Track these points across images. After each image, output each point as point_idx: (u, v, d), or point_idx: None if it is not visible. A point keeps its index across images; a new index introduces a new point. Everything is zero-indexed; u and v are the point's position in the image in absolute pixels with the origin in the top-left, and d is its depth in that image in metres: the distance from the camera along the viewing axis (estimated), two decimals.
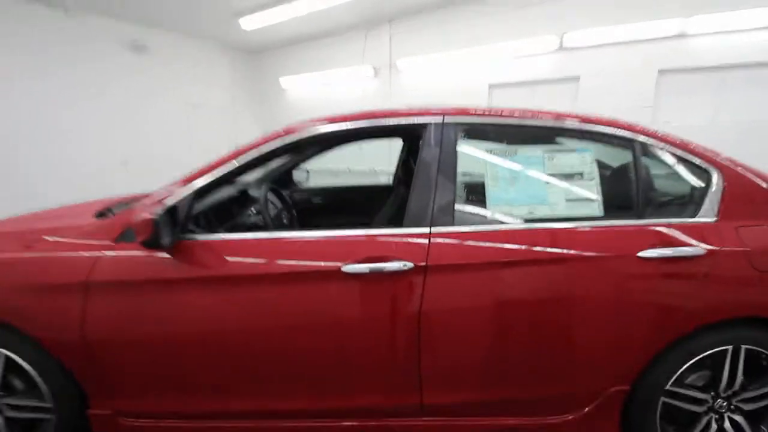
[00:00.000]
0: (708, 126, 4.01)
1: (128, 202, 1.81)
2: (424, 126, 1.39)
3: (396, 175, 2.93)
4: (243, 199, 1.95)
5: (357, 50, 6.19)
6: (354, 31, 6.14)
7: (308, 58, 6.81)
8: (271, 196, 2.01)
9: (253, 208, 1.85)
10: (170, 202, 1.28)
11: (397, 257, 1.25)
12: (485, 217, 1.33)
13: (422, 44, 5.54)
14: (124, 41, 5.52)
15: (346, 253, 1.27)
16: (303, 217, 2.81)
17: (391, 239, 1.30)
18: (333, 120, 1.41)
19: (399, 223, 1.33)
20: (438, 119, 1.39)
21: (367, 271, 1.24)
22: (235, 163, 1.36)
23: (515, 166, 1.37)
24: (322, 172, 6.12)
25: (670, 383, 1.33)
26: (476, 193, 1.35)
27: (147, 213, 1.15)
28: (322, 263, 1.27)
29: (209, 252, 1.31)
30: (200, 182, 1.34)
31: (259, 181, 2.68)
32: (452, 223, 1.30)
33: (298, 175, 2.91)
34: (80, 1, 4.78)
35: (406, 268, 1.24)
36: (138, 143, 5.76)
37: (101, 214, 1.60)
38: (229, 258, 1.30)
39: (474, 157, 1.39)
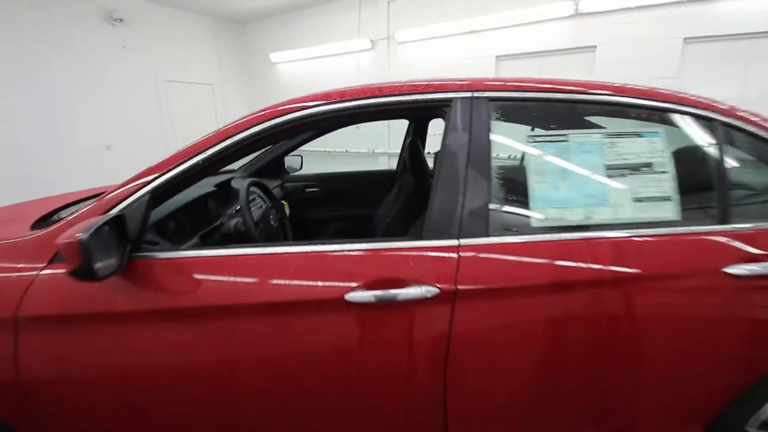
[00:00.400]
0: (736, 100, 3.67)
1: (86, 200, 1.49)
2: (446, 103, 1.07)
3: (401, 161, 2.60)
4: (220, 196, 1.62)
5: (353, 21, 5.71)
6: (349, 0, 5.64)
7: (300, 31, 6.31)
8: (256, 191, 1.70)
9: (232, 209, 1.54)
10: (115, 210, 0.97)
11: (416, 280, 0.95)
12: (529, 224, 1.02)
13: (423, 14, 5.08)
14: (98, 13, 5.02)
15: (349, 274, 0.97)
16: (296, 211, 2.50)
17: (407, 254, 0.99)
18: (329, 97, 1.08)
19: (413, 231, 1.02)
20: (466, 94, 1.06)
21: (377, 299, 0.94)
22: (205, 155, 1.04)
23: (567, 156, 1.05)
24: (316, 154, 5.78)
25: (749, 423, 1.08)
26: (517, 192, 1.04)
27: (75, 231, 0.84)
28: (320, 286, 0.97)
29: (172, 275, 1.00)
30: (160, 180, 1.03)
31: (241, 173, 2.38)
32: (487, 233, 1.00)
33: (289, 160, 2.58)
34: None
35: (428, 294, 0.94)
36: (119, 125, 5.34)
37: (42, 222, 1.28)
38: (197, 282, 1.00)
39: (513, 144, 1.07)
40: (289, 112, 1.05)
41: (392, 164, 5.89)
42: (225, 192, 1.90)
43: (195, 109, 6.33)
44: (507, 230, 1.02)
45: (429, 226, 1.01)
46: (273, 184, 2.35)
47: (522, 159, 1.06)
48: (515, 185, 1.05)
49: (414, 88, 1.09)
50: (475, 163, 1.02)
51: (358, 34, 5.63)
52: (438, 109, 1.10)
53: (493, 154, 1.04)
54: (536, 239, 1.00)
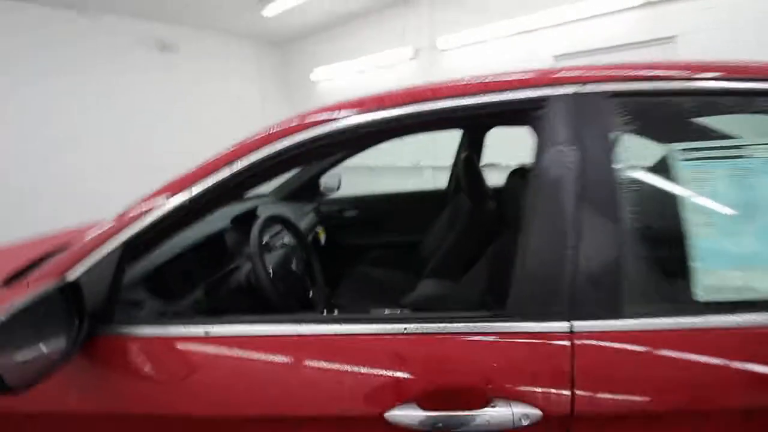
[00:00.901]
0: None
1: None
2: (537, 105, 0.70)
3: (452, 180, 2.23)
4: (243, 227, 1.34)
5: (392, 31, 5.47)
6: (388, 10, 5.42)
7: (339, 46, 6.19)
8: (275, 228, 1.41)
9: (238, 259, 1.26)
10: (69, 276, 0.70)
11: (500, 393, 0.58)
12: (691, 295, 0.62)
13: (468, 17, 4.72)
14: (146, 40, 5.20)
15: (389, 375, 0.62)
16: (332, 237, 2.20)
17: (484, 344, 0.63)
18: (363, 106, 0.75)
19: (489, 300, 0.67)
20: (570, 89, 0.69)
21: (435, 427, 0.58)
22: (196, 191, 0.75)
23: (751, 183, 0.63)
24: (356, 170, 5.54)
25: None
26: (666, 242, 0.65)
27: None
28: (345, 393, 0.63)
29: (142, 361, 0.71)
30: (139, 228, 0.75)
31: (271, 198, 2.12)
32: (619, 311, 0.61)
33: (327, 180, 2.30)
34: (96, 2, 4.46)
35: (524, 422, 0.57)
36: (171, 149, 5.44)
37: (15, 277, 1.03)
38: (169, 376, 0.69)
39: (653, 164, 0.68)
40: (305, 130, 0.74)
41: (438, 179, 5.54)
42: (249, 222, 1.64)
43: (238, 129, 6.37)
44: (652, 306, 0.62)
45: (518, 297, 0.64)
46: (306, 209, 2.08)
47: (670, 188, 0.66)
48: (662, 231, 0.65)
49: (483, 87, 0.73)
50: (594, 196, 0.64)
51: (401, 43, 5.38)
52: (522, 114, 0.73)
53: (622, 182, 0.65)
54: (707, 323, 0.59)
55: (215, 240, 1.20)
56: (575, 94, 0.69)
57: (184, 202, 0.74)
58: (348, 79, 6.23)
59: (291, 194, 2.12)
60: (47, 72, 4.39)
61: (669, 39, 3.66)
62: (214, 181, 0.74)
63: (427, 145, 5.11)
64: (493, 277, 1.14)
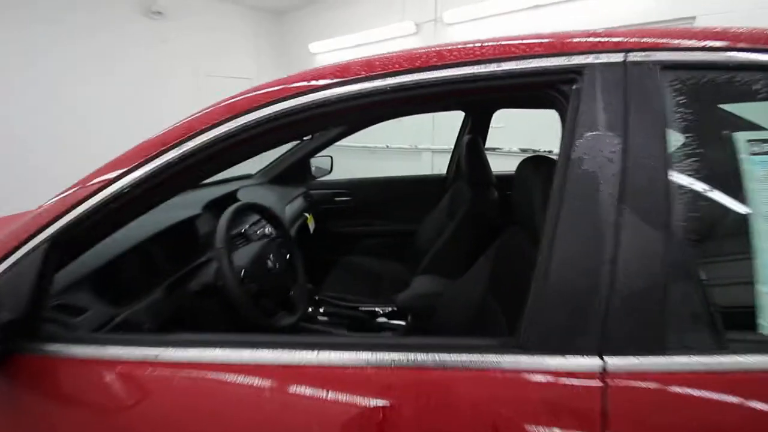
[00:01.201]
0: None
1: None
2: (569, 78, 0.55)
3: (453, 165, 2.07)
4: (195, 230, 1.18)
5: (396, 5, 5.18)
6: None
7: (340, 20, 5.87)
8: (252, 219, 1.26)
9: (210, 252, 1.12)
10: None
11: None
12: (758, 331, 0.48)
13: None
14: (137, 7, 4.88)
15: (374, 426, 0.49)
16: (322, 225, 2.06)
17: (489, 381, 0.50)
18: (348, 73, 0.59)
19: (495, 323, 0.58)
20: (612, 57, 0.54)
21: None
22: (136, 177, 0.60)
23: None
24: (354, 150, 5.36)
25: None
26: (727, 259, 0.51)
27: None
28: None
29: (77, 388, 0.58)
30: (65, 222, 0.60)
31: (258, 179, 1.92)
32: (664, 348, 0.47)
33: (317, 162, 2.14)
34: None
35: None
36: (161, 120, 5.21)
37: None
38: (110, 406, 0.56)
39: (717, 155, 0.54)
40: (274, 102, 0.58)
41: (437, 162, 5.34)
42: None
43: None
44: (707, 340, 0.49)
45: (536, 323, 0.50)
46: (295, 193, 1.93)
47: (736, 190, 0.52)
48: (724, 245, 0.51)
49: (503, 51, 0.57)
50: (639, 197, 0.49)
51: (402, 18, 5.10)
52: (547, 90, 0.58)
53: (676, 180, 0.50)
54: None
55: (184, 229, 1.06)
56: (623, 63, 0.53)
57: (123, 188, 0.59)
58: (348, 52, 5.95)
59: (278, 177, 1.96)
60: (29, 40, 4.14)
61: (689, 19, 3.45)
62: (158, 166, 0.59)
63: (425, 126, 4.94)
64: (497, 280, 1.01)
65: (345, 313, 1.40)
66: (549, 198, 0.53)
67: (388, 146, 5.43)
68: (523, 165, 0.87)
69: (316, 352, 0.52)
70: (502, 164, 1.73)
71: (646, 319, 0.48)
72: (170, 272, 0.93)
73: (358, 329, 1.36)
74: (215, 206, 1.11)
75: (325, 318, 1.42)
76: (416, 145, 5.18)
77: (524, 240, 0.94)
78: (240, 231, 1.25)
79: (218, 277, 0.82)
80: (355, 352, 0.51)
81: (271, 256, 1.01)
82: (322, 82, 0.58)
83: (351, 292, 1.63)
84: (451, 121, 2.14)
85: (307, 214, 1.92)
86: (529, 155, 0.88)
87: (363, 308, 1.52)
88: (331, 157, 2.22)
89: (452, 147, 2.13)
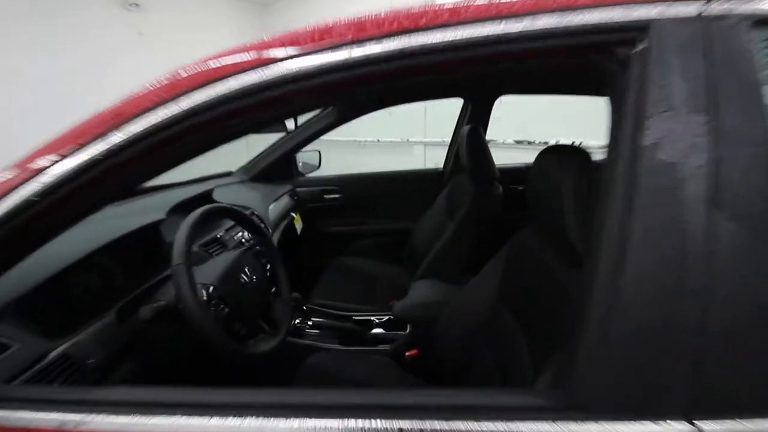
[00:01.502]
0: None
1: None
2: (633, 35, 0.41)
3: (451, 157, 1.93)
4: (160, 239, 1.01)
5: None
6: None
7: (327, 10, 5.67)
8: (227, 224, 1.10)
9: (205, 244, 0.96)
10: None
11: None
12: None
13: None
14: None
15: None
16: (311, 225, 1.91)
17: None
18: (312, 40, 0.44)
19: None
20: (690, 8, 0.40)
21: None
22: (61, 175, 0.44)
23: None
24: (343, 144, 5.19)
25: None
26: None
27: None
28: None
29: None
30: None
31: (238, 177, 1.76)
32: None
33: (304, 157, 1.98)
34: None
35: None
36: None
37: None
38: None
39: None
40: (227, 76, 0.43)
41: (430, 156, 5.20)
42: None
43: None
44: None
45: (595, 374, 0.37)
46: (280, 191, 1.77)
47: None
48: None
49: (537, 4, 0.43)
50: (738, 196, 0.36)
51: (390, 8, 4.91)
52: (596, 55, 0.43)
53: None
54: None
55: (144, 238, 0.90)
56: (699, 18, 0.39)
57: (29, 199, 0.44)
58: None
59: (261, 174, 1.80)
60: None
61: None
62: (77, 167, 0.43)
63: (417, 117, 4.79)
64: (511, 288, 0.87)
65: (336, 325, 1.26)
66: (579, 197, 0.39)
67: (378, 140, 5.27)
68: (545, 156, 0.74)
69: (294, 420, 0.37)
70: (496, 157, 1.60)
71: (751, 370, 0.35)
72: (125, 292, 0.78)
73: (352, 343, 1.22)
74: (184, 210, 0.95)
75: (314, 331, 1.27)
76: (408, 138, 5.03)
77: (543, 244, 0.81)
78: (215, 236, 1.10)
79: (178, 299, 0.67)
80: (344, 419, 0.37)
81: (247, 268, 0.86)
82: (291, 50, 0.43)
83: (343, 298, 1.48)
84: (446, 109, 2.00)
85: (293, 214, 1.76)
86: (553, 144, 0.74)
87: (357, 317, 1.38)
88: (319, 152, 2.06)
89: (446, 140, 1.99)
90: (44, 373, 0.61)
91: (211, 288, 0.76)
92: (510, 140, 4.27)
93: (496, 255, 0.99)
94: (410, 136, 5.00)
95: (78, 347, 0.66)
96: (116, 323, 0.73)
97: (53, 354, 0.64)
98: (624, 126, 0.40)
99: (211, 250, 1.02)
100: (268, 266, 0.99)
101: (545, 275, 0.77)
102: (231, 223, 1.23)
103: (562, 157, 0.68)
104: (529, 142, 4.35)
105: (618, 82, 0.42)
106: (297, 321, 1.33)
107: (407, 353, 1.12)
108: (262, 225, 1.38)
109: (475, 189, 1.38)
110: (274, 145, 1.79)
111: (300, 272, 1.84)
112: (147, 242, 0.93)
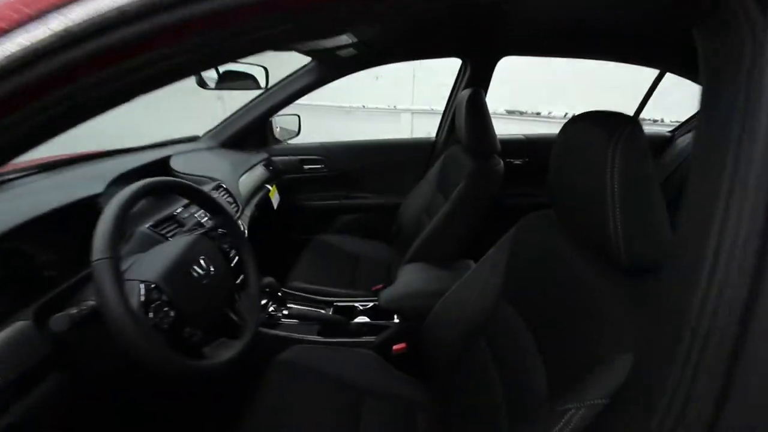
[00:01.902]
0: None
1: None
2: None
3: (445, 126, 1.75)
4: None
5: None
6: None
7: None
8: (180, 202, 0.91)
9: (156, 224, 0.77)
10: None
11: None
12: None
13: None
14: None
15: None
16: (289, 198, 1.73)
17: None
18: None
19: None
20: None
21: None
22: None
23: None
24: (328, 109, 4.91)
25: None
26: None
27: None
28: None
29: None
30: None
31: (205, 143, 1.50)
32: None
33: (281, 122, 1.77)
34: None
35: None
36: None
37: None
38: None
39: None
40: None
41: (417, 125, 4.99)
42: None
43: None
44: None
45: None
46: (254, 160, 1.57)
47: None
48: None
49: None
50: None
51: None
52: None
53: None
54: None
55: (76, 218, 0.72)
56: None
57: None
58: None
59: (232, 139, 1.59)
60: None
61: None
62: None
63: (405, 83, 4.53)
64: (519, 283, 0.74)
65: (314, 314, 1.12)
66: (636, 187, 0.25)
67: (364, 106, 4.99)
68: (581, 126, 0.58)
69: None
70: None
71: None
72: (48, 287, 0.61)
73: (333, 333, 1.09)
74: (130, 182, 0.76)
75: (290, 321, 1.13)
76: (395, 105, 4.78)
77: (563, 236, 0.67)
78: (171, 213, 0.91)
79: (100, 305, 0.51)
80: None
81: (203, 258, 0.69)
82: None
83: (324, 281, 1.34)
84: (436, 78, 1.80)
85: (269, 186, 1.58)
86: (593, 111, 0.59)
87: (339, 303, 1.25)
88: (299, 116, 1.85)
89: (435, 107, 1.81)
90: None
91: (152, 286, 0.59)
92: (501, 110, 4.10)
93: (499, 242, 0.85)
94: (397, 103, 4.75)
95: None
96: (34, 328, 0.56)
97: None
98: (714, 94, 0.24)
99: (164, 231, 0.85)
100: (233, 252, 0.83)
101: (564, 275, 0.64)
102: (183, 202, 1.04)
103: (611, 130, 0.52)
104: (521, 113, 4.19)
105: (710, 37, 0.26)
106: (271, 308, 1.18)
107: (394, 347, 1.01)
108: (230, 200, 1.20)
109: (473, 163, 1.23)
110: (246, 106, 1.57)
111: (276, 252, 1.68)
112: (80, 223, 0.74)
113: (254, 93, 1.57)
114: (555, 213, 0.71)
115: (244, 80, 1.23)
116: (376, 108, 4.91)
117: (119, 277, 0.52)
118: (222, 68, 0.99)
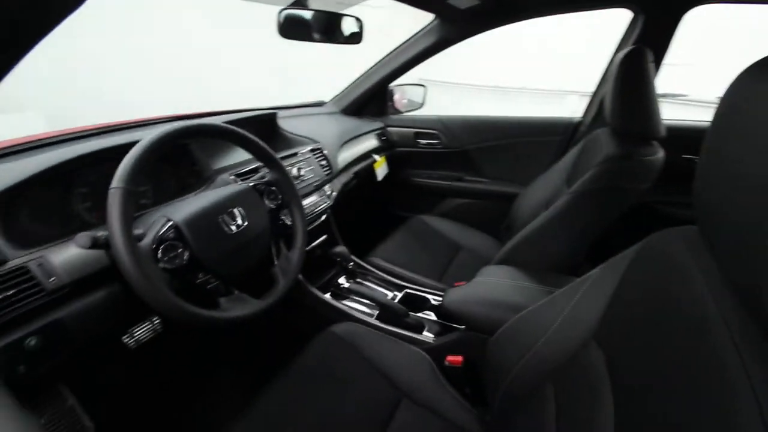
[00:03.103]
0: None
1: None
2: None
3: (594, 104, 1.36)
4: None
5: None
6: None
7: None
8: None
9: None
10: None
11: None
12: None
13: None
14: None
15: None
16: (395, 172, 1.65)
17: None
18: None
19: None
20: None
21: None
22: None
23: None
24: (479, 89, 4.62)
25: None
26: None
27: None
28: None
29: None
30: None
31: (329, 108, 1.51)
32: None
33: (403, 92, 1.69)
34: None
35: None
36: None
37: None
38: None
39: None
40: None
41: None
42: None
43: None
44: None
45: None
46: (368, 127, 1.54)
47: None
48: None
49: None
50: None
51: None
52: None
53: None
54: None
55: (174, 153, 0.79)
56: None
57: None
58: None
59: (352, 106, 1.59)
60: None
61: None
62: None
63: (574, 60, 3.82)
64: (621, 326, 0.49)
65: (373, 295, 1.01)
66: None
67: (524, 88, 4.48)
68: (759, 80, 0.30)
69: None
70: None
71: None
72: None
73: (391, 321, 0.98)
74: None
75: (354, 297, 1.07)
76: (562, 87, 4.13)
77: (712, 275, 0.39)
78: (257, 166, 0.94)
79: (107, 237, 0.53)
80: None
81: (238, 209, 0.66)
82: None
83: (410, 263, 1.23)
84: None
85: (377, 156, 1.53)
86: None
87: (412, 289, 1.12)
88: (424, 87, 1.73)
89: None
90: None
91: (172, 225, 0.60)
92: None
93: (611, 260, 0.58)
94: (566, 84, 4.09)
95: (40, 263, 0.59)
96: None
97: (11, 264, 0.58)
98: None
99: (246, 179, 0.87)
100: (283, 213, 0.80)
101: (694, 327, 0.37)
102: (288, 150, 1.07)
103: None
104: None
105: None
106: (340, 279, 1.14)
107: (449, 357, 0.83)
108: (324, 163, 1.19)
109: (619, 148, 0.89)
110: (366, 72, 1.54)
111: (366, 223, 1.64)
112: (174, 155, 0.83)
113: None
114: (701, 232, 0.42)
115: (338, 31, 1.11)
116: (537, 89, 4.35)
117: (127, 206, 0.53)
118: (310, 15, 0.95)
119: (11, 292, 0.55)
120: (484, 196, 1.59)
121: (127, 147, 0.62)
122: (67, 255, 0.62)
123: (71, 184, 0.70)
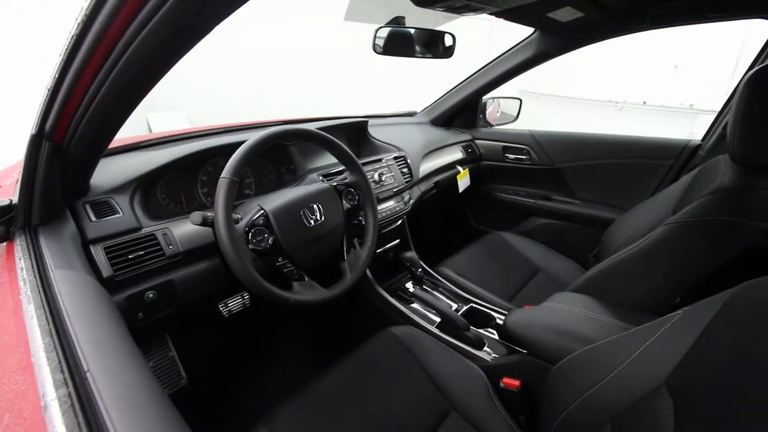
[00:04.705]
0: None
1: None
2: None
3: (717, 125, 1.17)
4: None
5: None
6: None
7: None
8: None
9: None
10: None
11: None
12: None
13: None
14: None
15: None
16: (477, 185, 1.62)
17: None
18: None
19: None
20: None
21: None
22: None
23: None
24: (588, 104, 4.25)
25: None
26: None
27: None
28: None
29: None
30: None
31: (418, 119, 1.55)
32: None
33: (497, 105, 1.67)
34: None
35: None
36: None
37: None
38: None
39: None
40: None
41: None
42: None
43: None
44: None
45: None
46: (452, 140, 1.55)
47: None
48: None
49: None
50: None
51: None
52: None
53: None
54: None
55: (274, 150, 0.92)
56: None
57: None
58: None
59: (441, 117, 1.62)
60: None
61: None
62: None
63: (710, 73, 3.27)
64: (698, 375, 0.44)
65: (436, 305, 1.02)
66: None
67: (645, 102, 3.98)
68: None
69: None
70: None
71: None
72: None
73: (450, 332, 0.98)
74: (332, 133, 0.90)
75: (419, 301, 1.09)
76: (692, 104, 3.58)
77: None
78: (341, 169, 1.04)
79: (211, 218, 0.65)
80: None
81: (317, 205, 0.75)
82: None
83: (481, 279, 1.21)
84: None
85: (460, 168, 1.53)
86: None
87: (477, 305, 1.10)
88: (520, 100, 1.68)
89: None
90: (133, 242, 0.71)
91: (263, 213, 0.70)
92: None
93: (702, 302, 0.52)
94: (697, 101, 3.55)
95: (165, 233, 0.75)
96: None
97: (144, 230, 0.74)
98: None
99: (331, 180, 0.97)
100: (360, 213, 0.86)
101: None
102: (374, 156, 1.16)
103: None
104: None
105: None
106: (408, 284, 1.18)
107: (505, 379, 0.80)
108: (406, 170, 1.24)
109: (742, 178, 0.77)
110: (459, 84, 1.56)
111: (443, 233, 1.63)
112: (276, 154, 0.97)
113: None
114: None
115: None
116: (663, 106, 3.84)
117: (231, 194, 0.64)
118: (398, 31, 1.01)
119: (142, 252, 0.71)
120: (573, 218, 1.48)
121: (237, 145, 0.74)
122: (184, 229, 0.77)
123: (196, 172, 0.86)
